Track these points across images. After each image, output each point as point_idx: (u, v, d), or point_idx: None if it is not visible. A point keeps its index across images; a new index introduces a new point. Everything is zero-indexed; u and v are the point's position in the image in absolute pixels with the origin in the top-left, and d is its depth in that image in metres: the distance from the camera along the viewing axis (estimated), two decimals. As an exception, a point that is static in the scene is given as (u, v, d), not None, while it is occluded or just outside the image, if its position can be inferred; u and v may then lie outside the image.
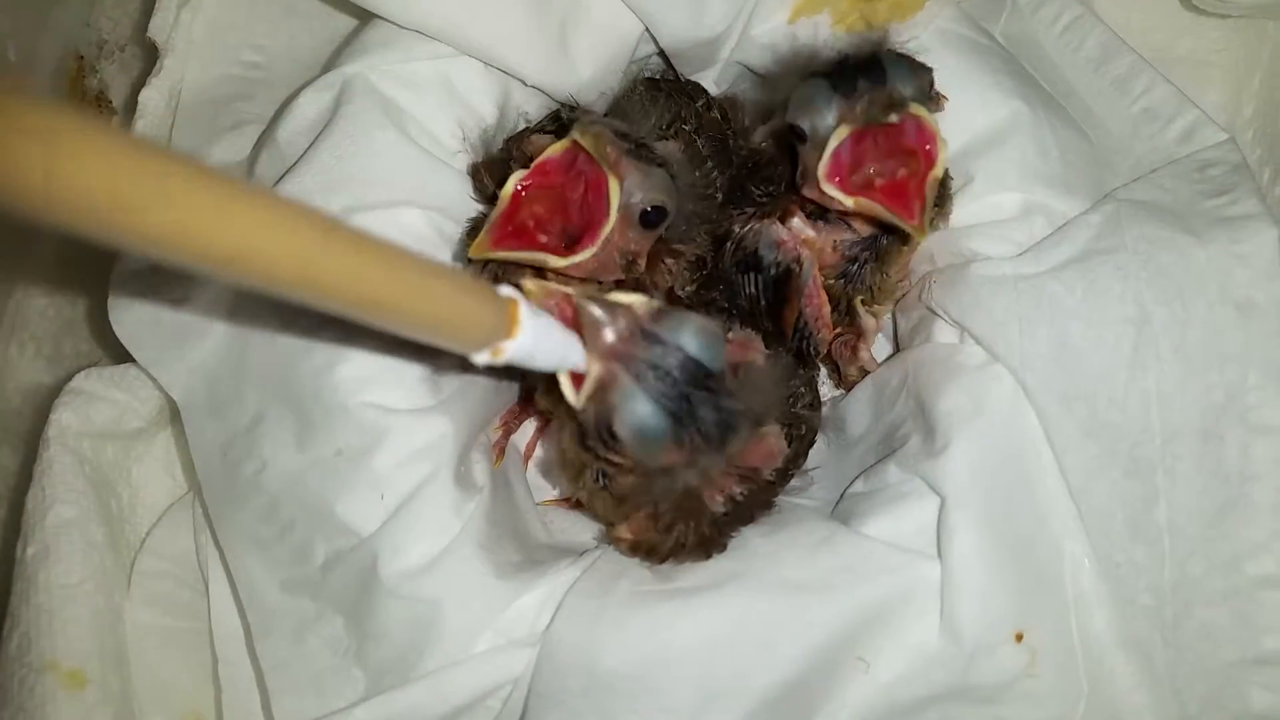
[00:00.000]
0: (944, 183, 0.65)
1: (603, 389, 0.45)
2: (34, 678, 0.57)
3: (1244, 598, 0.54)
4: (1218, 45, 0.77)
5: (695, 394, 0.46)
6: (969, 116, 0.64)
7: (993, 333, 0.58)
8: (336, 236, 0.33)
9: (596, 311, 0.44)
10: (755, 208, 0.65)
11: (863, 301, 0.65)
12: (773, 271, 0.64)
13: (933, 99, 0.58)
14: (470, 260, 0.58)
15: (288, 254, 0.31)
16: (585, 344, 0.44)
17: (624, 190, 0.55)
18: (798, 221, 0.62)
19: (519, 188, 0.56)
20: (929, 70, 0.57)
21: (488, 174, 0.63)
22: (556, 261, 0.56)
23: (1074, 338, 0.57)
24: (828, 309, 0.63)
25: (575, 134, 0.54)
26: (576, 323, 0.44)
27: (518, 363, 0.41)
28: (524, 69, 0.65)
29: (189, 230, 0.28)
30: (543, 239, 0.57)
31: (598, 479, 0.57)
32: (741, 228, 0.65)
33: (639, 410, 0.45)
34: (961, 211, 0.63)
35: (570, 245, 0.56)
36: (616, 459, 0.49)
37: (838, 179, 0.56)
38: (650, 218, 0.56)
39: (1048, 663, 0.55)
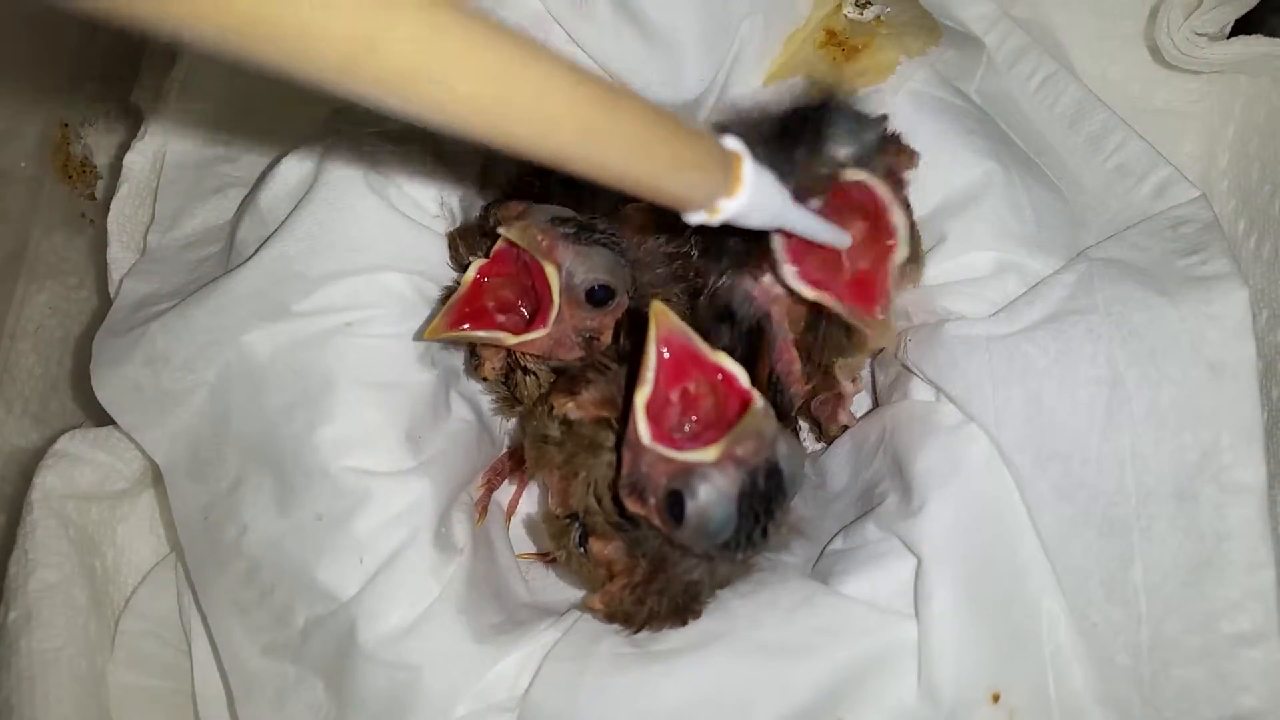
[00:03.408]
0: (915, 241, 0.66)
1: (699, 472, 0.45)
2: (14, 746, 0.57)
3: (1220, 656, 0.54)
4: (1193, 97, 0.78)
5: (764, 516, 0.47)
6: (943, 176, 0.64)
7: (967, 393, 0.59)
8: (587, 85, 0.32)
9: (762, 419, 0.45)
10: (729, 259, 0.65)
11: (835, 357, 0.65)
12: (745, 326, 0.64)
13: (889, 150, 0.57)
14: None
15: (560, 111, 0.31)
16: (728, 435, 0.45)
17: (563, 273, 0.57)
18: (768, 278, 0.63)
19: (478, 275, 0.58)
20: (877, 121, 0.56)
21: (463, 243, 0.64)
22: (510, 340, 0.58)
23: (1047, 398, 0.57)
24: (798, 365, 0.63)
25: (502, 232, 0.56)
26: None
27: (732, 221, 0.39)
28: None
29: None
30: (500, 319, 0.59)
31: (579, 542, 0.57)
32: (716, 280, 0.66)
33: (718, 509, 0.46)
34: (935, 270, 0.63)
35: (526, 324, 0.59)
36: (642, 513, 0.49)
37: (797, 268, 0.55)
38: (597, 295, 0.58)
39: (1026, 723, 0.55)
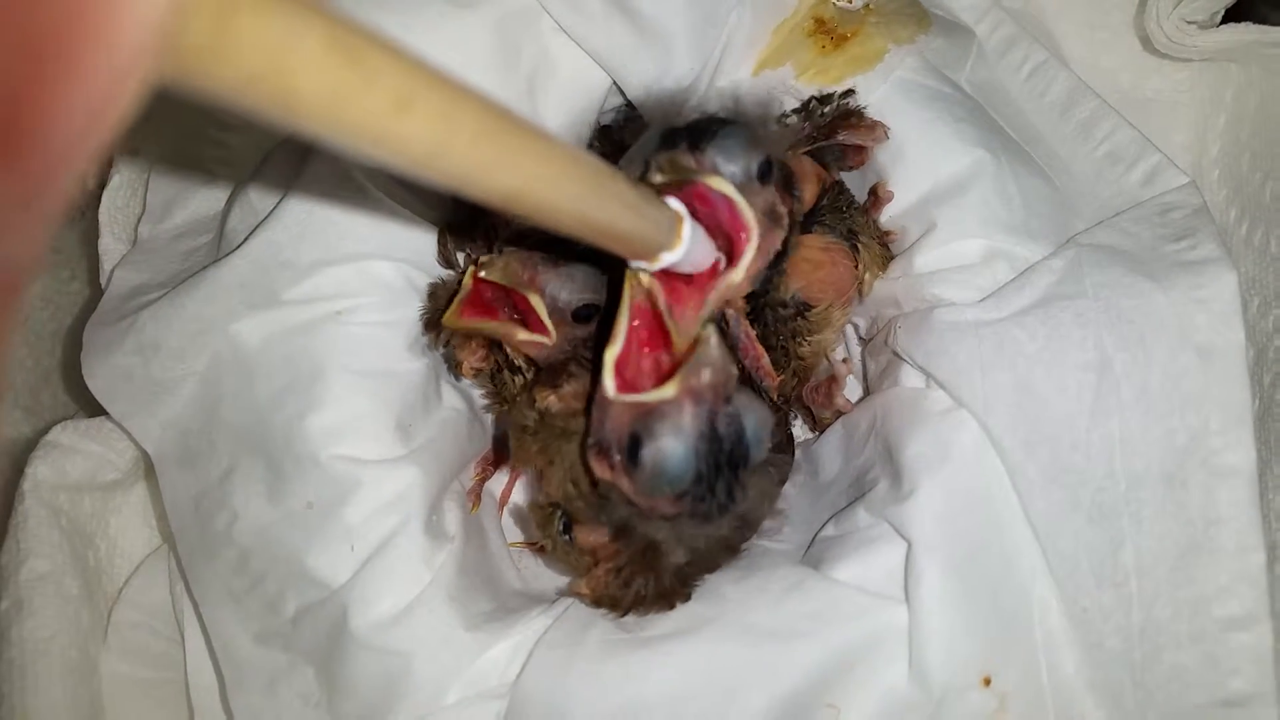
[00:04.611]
0: (885, 239, 0.67)
1: (657, 412, 0.45)
2: (5, 734, 0.57)
3: (1211, 640, 0.54)
4: (1183, 86, 0.78)
5: (725, 470, 0.46)
6: (932, 164, 0.64)
7: (956, 378, 0.59)
8: (548, 146, 0.33)
9: (714, 350, 0.45)
10: None
11: (798, 338, 0.65)
12: None
13: (776, 186, 0.52)
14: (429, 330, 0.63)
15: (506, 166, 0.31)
16: (680, 370, 0.45)
17: (547, 297, 0.58)
18: None
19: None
20: (768, 147, 0.50)
21: (452, 238, 0.64)
22: (520, 334, 0.59)
23: (1036, 383, 0.57)
24: (766, 358, 0.62)
25: (484, 276, 0.58)
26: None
27: (667, 266, 0.44)
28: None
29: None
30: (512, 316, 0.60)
31: (563, 530, 0.57)
32: None
33: (675, 448, 0.45)
34: (925, 257, 0.63)
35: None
36: (608, 478, 0.49)
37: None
38: (582, 314, 0.59)
39: (1017, 707, 0.55)
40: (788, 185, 0.51)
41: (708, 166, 0.46)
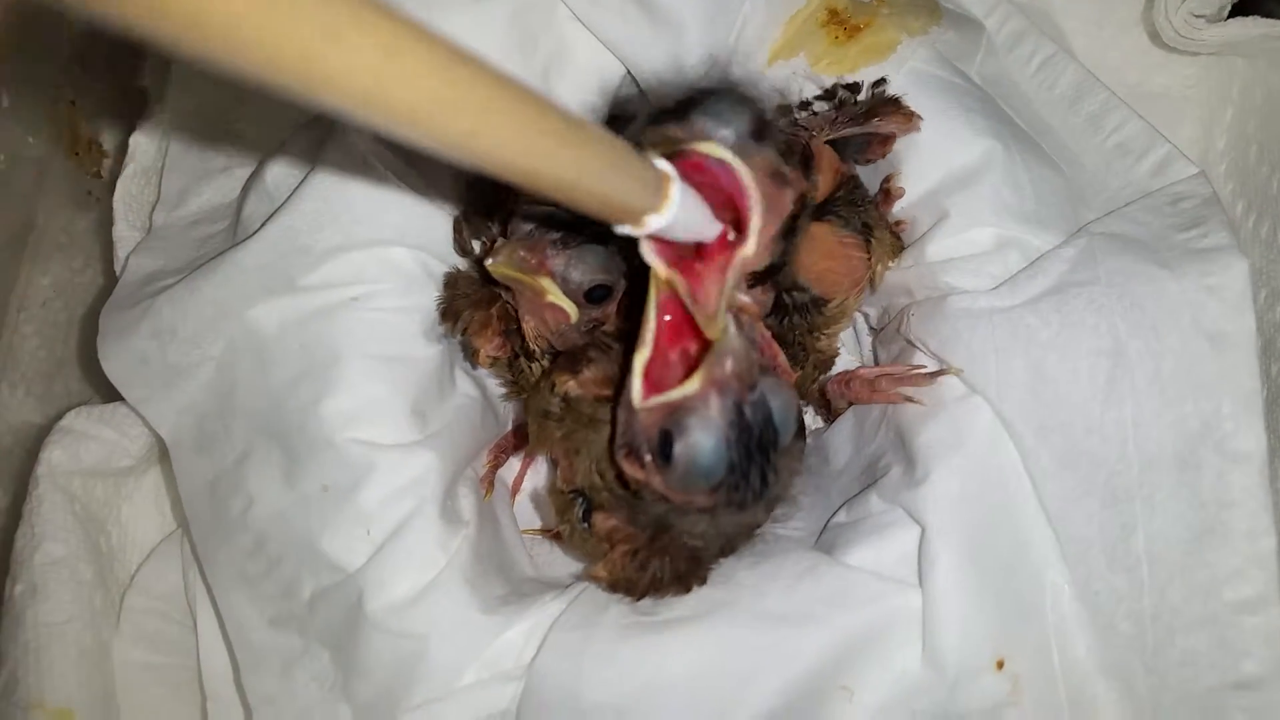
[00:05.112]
0: (897, 229, 0.67)
1: (685, 408, 0.45)
2: (20, 716, 0.57)
3: (1223, 623, 0.55)
4: (1190, 81, 0.79)
5: (757, 456, 0.46)
6: (943, 154, 0.65)
7: (970, 365, 0.59)
8: (505, 84, 0.29)
9: (734, 339, 0.44)
10: None
11: (813, 332, 0.65)
12: None
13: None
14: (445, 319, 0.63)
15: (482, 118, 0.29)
16: (703, 363, 0.44)
17: (559, 280, 0.58)
18: None
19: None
20: (759, 112, 0.47)
21: (468, 227, 0.64)
22: (551, 294, 0.59)
23: (1049, 369, 0.57)
24: (783, 357, 0.63)
25: (491, 267, 0.57)
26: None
27: (657, 234, 0.41)
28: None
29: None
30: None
31: (583, 516, 0.57)
32: None
33: (706, 441, 0.45)
34: (937, 246, 0.64)
35: None
36: (640, 478, 0.49)
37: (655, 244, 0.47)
38: (595, 295, 0.59)
39: (1029, 690, 0.55)
40: (805, 165, 0.51)
41: (698, 134, 0.43)
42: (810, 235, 0.59)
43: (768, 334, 0.61)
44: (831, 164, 0.64)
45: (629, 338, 0.55)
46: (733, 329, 0.45)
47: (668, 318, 0.47)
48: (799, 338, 0.67)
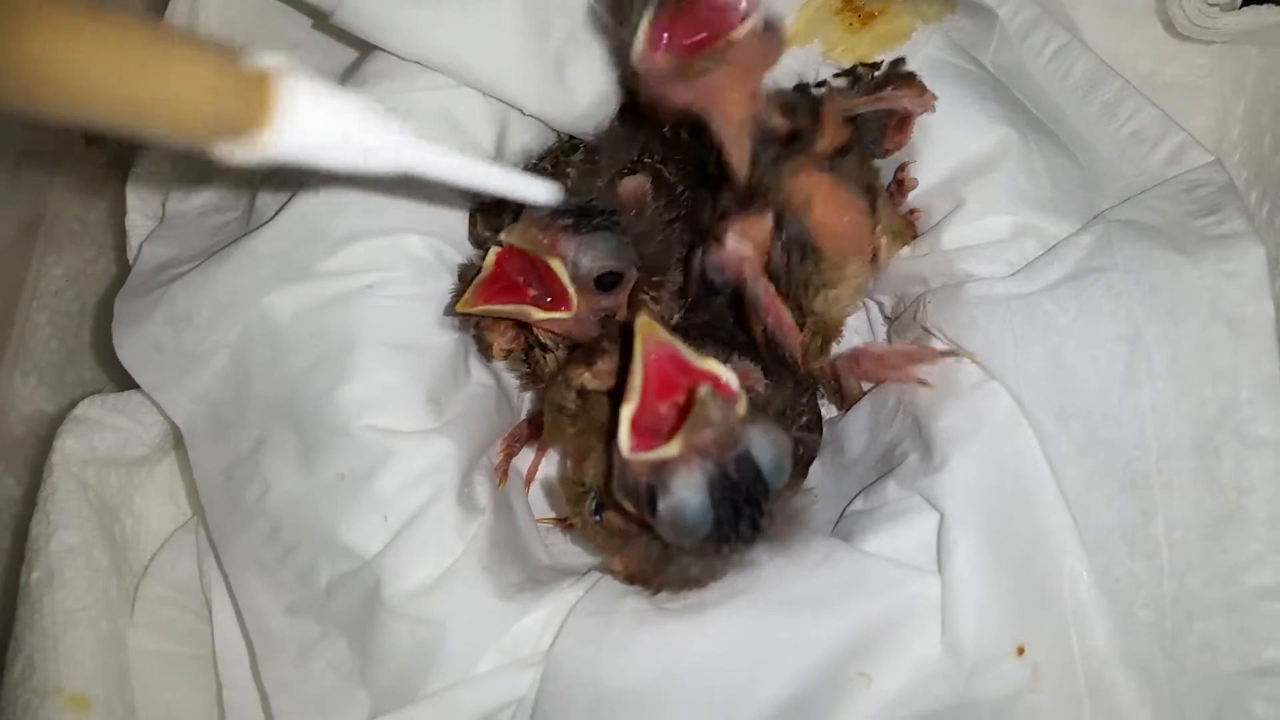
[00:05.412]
0: (910, 216, 0.67)
1: (668, 467, 0.45)
2: (38, 702, 0.57)
3: (1243, 609, 0.54)
4: (1203, 71, 0.79)
5: (745, 509, 0.47)
6: (959, 142, 0.65)
7: (988, 351, 0.59)
8: None
9: (712, 409, 0.44)
10: (709, 220, 0.64)
11: (814, 291, 0.64)
12: (727, 293, 0.64)
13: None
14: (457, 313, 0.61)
15: None
16: (683, 427, 0.44)
17: (569, 264, 0.58)
18: (732, 241, 0.61)
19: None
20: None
21: (482, 218, 0.64)
22: (537, 314, 0.59)
23: (1068, 355, 0.57)
24: (787, 315, 0.62)
25: (504, 238, 0.58)
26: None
27: (304, 160, 0.31)
28: (522, 98, 0.66)
29: None
30: (531, 292, 0.60)
31: (594, 511, 0.57)
32: (694, 255, 0.66)
33: (692, 504, 0.46)
34: (954, 234, 0.64)
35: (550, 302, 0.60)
36: (634, 515, 0.50)
37: (655, 51, 0.50)
38: (605, 281, 0.59)
39: (1049, 677, 0.55)
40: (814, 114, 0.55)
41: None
42: (815, 183, 0.59)
43: (772, 289, 0.61)
44: (836, 125, 0.63)
45: (615, 393, 0.55)
46: (710, 399, 0.45)
47: (654, 357, 0.48)
48: (793, 292, 0.65)
